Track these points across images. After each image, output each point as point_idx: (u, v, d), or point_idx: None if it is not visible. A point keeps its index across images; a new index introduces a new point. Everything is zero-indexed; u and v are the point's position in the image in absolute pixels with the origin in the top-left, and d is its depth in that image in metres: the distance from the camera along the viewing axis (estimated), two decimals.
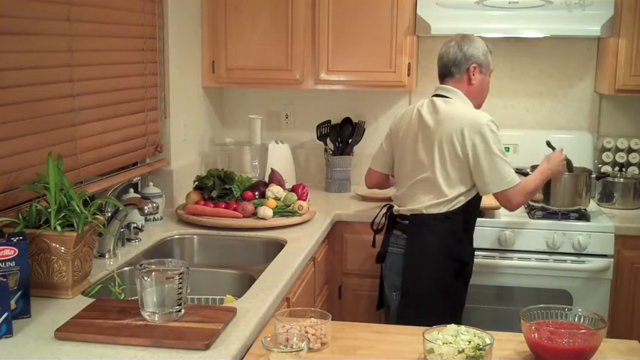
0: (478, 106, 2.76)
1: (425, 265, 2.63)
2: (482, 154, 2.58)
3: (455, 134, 2.60)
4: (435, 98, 2.73)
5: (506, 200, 2.66)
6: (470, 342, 1.66)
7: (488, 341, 1.67)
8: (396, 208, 2.78)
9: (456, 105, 2.68)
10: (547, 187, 3.14)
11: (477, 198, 2.70)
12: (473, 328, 1.73)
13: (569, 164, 2.99)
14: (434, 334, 1.70)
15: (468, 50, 2.71)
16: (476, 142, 2.58)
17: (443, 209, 2.62)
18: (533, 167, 3.25)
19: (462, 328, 1.73)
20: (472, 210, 2.71)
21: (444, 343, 1.66)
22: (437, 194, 2.63)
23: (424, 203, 2.65)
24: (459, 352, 1.61)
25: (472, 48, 2.71)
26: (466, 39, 2.74)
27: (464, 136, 2.59)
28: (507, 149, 3.51)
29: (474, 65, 2.71)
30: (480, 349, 1.62)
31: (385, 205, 2.89)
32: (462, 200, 2.63)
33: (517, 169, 3.31)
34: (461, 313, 2.71)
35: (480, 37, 2.80)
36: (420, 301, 2.62)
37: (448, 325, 1.74)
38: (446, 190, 2.61)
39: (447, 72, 2.75)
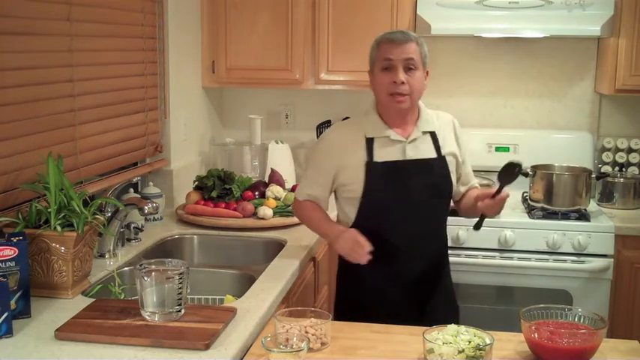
0: (382, 106, 2.31)
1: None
2: None
3: None
4: None
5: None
6: (470, 342, 1.67)
7: (488, 341, 1.67)
8: None
9: None
10: (547, 187, 3.15)
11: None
12: (473, 328, 1.73)
13: (509, 168, 2.20)
14: (434, 334, 1.70)
15: None
16: None
17: None
18: (534, 167, 3.26)
19: (462, 328, 1.73)
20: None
21: (444, 343, 1.66)
22: None
23: None
24: (459, 352, 1.62)
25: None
26: None
27: None
28: (507, 149, 3.52)
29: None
30: (480, 349, 1.62)
31: None
32: None
33: None
34: (392, 317, 2.11)
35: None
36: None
37: (448, 325, 1.75)
38: None
39: None
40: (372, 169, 2.24)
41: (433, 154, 2.29)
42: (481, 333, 1.71)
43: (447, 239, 2.43)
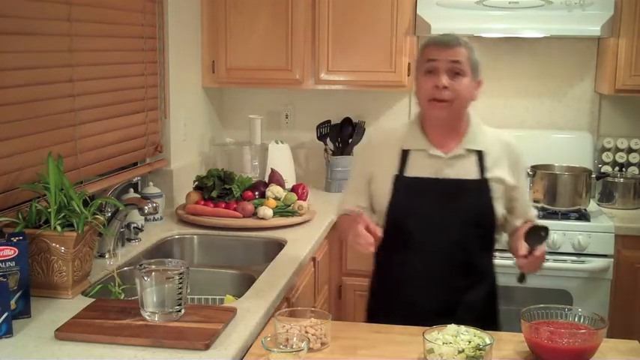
0: (424, 116, 2.13)
1: None
2: None
3: None
4: None
5: None
6: (470, 342, 1.66)
7: (488, 341, 1.67)
8: None
9: None
10: (547, 187, 3.15)
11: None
12: (473, 328, 1.73)
13: (534, 231, 2.03)
14: (434, 334, 1.70)
15: None
16: None
17: None
18: (533, 167, 3.26)
19: (462, 328, 1.73)
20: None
21: (444, 343, 1.66)
22: None
23: None
24: (459, 352, 1.61)
25: None
26: None
27: None
28: None
29: None
30: (480, 349, 1.62)
31: None
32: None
33: None
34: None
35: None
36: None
37: (448, 325, 1.74)
38: None
39: None
40: (401, 183, 2.08)
41: (475, 176, 2.07)
42: (481, 333, 1.71)
43: (488, 272, 2.22)
